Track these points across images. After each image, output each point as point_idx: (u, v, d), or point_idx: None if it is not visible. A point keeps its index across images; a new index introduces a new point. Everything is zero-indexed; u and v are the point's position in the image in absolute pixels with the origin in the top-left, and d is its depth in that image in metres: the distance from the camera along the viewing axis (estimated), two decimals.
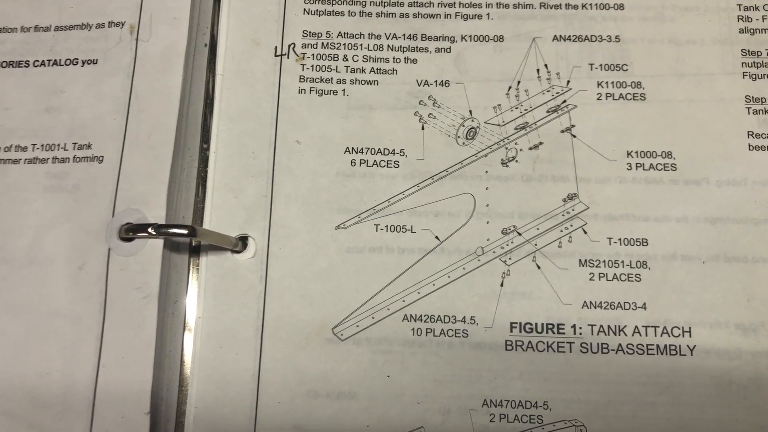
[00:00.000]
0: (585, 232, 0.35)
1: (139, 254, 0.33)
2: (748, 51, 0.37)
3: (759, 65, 0.37)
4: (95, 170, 0.35)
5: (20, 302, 0.33)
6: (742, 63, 0.37)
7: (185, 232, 0.32)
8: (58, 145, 0.35)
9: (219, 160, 0.36)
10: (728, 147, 0.36)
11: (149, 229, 0.32)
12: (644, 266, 0.35)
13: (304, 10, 0.39)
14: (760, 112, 0.36)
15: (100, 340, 0.33)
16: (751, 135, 0.36)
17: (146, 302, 0.33)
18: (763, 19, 0.38)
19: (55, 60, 0.37)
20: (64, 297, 0.33)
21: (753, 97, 0.37)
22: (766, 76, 0.37)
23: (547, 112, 0.37)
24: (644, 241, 0.35)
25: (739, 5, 0.38)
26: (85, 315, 0.33)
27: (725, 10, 0.38)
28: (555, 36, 0.38)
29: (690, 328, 0.34)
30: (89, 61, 0.36)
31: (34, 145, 0.35)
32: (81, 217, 0.34)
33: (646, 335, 0.34)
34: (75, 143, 0.35)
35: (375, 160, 0.37)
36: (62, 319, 0.33)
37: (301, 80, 0.38)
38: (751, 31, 0.38)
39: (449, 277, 0.35)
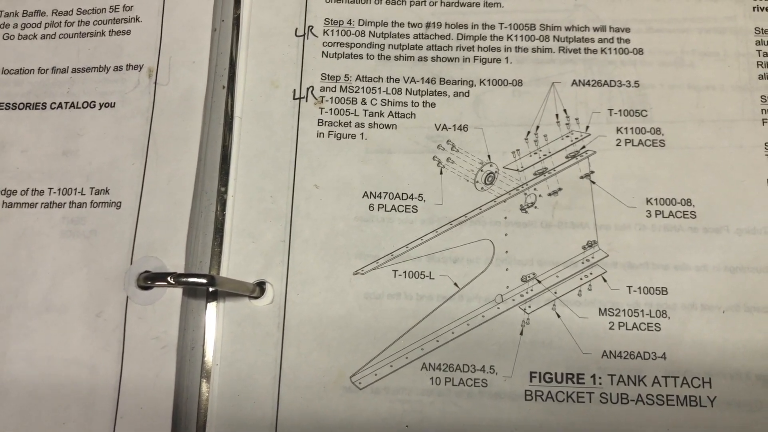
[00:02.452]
0: (605, 280, 0.35)
1: (158, 303, 0.33)
2: None
3: None
4: (113, 216, 0.34)
5: (36, 350, 0.33)
6: (762, 110, 0.37)
7: (204, 281, 0.32)
8: (76, 189, 0.35)
9: (237, 204, 0.36)
10: (748, 195, 0.36)
11: (169, 279, 0.32)
12: (664, 315, 0.35)
13: (323, 53, 0.39)
14: None
15: (118, 390, 0.32)
16: None
17: (165, 352, 0.32)
18: None
19: (73, 102, 0.36)
20: (81, 345, 0.33)
21: None
22: None
23: (567, 157, 0.37)
24: (664, 289, 0.35)
25: (759, 51, 0.38)
26: (103, 364, 0.33)
27: (745, 56, 0.38)
28: (574, 81, 0.38)
29: (710, 378, 0.34)
30: (107, 104, 0.36)
31: (50, 188, 0.35)
32: (98, 264, 0.34)
33: (666, 385, 0.34)
34: (92, 188, 0.35)
35: (393, 205, 0.36)
36: (79, 367, 0.33)
37: (320, 124, 0.37)
38: None
39: (468, 324, 0.35)
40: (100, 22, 0.38)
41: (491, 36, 0.39)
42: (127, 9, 0.38)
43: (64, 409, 0.32)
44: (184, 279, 0.32)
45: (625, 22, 0.39)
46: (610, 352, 0.34)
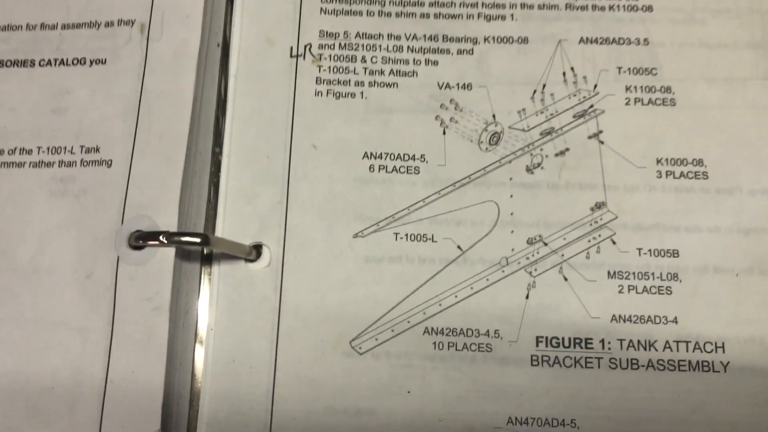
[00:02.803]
0: (614, 243, 0.34)
1: (150, 263, 0.32)
2: None
3: None
4: (103, 175, 0.33)
5: (24, 312, 0.32)
6: None
7: (198, 240, 0.31)
8: (65, 148, 0.34)
9: (232, 165, 0.35)
10: (761, 154, 0.35)
11: (161, 237, 0.31)
12: (675, 278, 0.33)
13: (321, 9, 0.37)
14: None
15: (108, 353, 0.31)
16: None
17: (157, 313, 0.31)
18: None
19: (62, 59, 0.35)
20: (70, 307, 0.32)
21: None
22: None
23: (574, 117, 0.36)
24: (675, 252, 0.34)
25: None
26: (93, 326, 0.31)
27: (758, 13, 0.37)
28: (581, 38, 0.37)
29: (723, 343, 0.33)
30: (97, 61, 0.35)
31: (39, 147, 0.34)
32: (88, 224, 0.33)
33: (678, 350, 0.33)
34: (82, 146, 0.34)
35: (394, 166, 0.35)
36: (68, 330, 0.32)
37: (318, 82, 0.36)
38: None
39: (472, 288, 0.34)
40: None
41: None
42: None
43: (51, 374, 0.31)
44: (177, 238, 0.31)
45: None
46: (620, 316, 0.33)
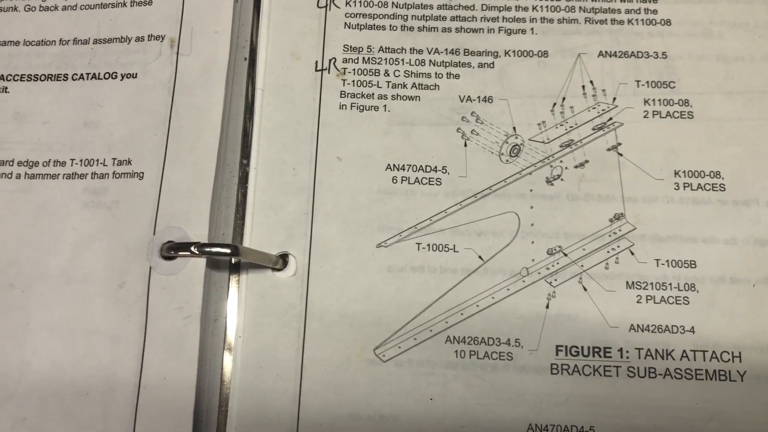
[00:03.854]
0: (632, 253, 0.35)
1: (181, 273, 0.33)
2: None
3: None
4: (135, 187, 0.34)
5: (58, 321, 0.33)
6: None
7: (228, 251, 0.32)
8: (97, 160, 0.35)
9: (259, 177, 0.36)
10: None
11: (192, 248, 0.32)
12: (692, 289, 0.34)
13: (345, 24, 0.38)
14: None
15: (141, 361, 0.32)
16: None
17: (188, 322, 0.32)
18: None
19: (94, 74, 0.36)
20: (103, 316, 0.33)
21: None
22: None
23: (593, 129, 0.36)
24: (692, 263, 0.34)
25: None
26: (125, 335, 0.32)
27: None
28: (600, 52, 0.37)
29: (740, 353, 0.33)
30: (128, 75, 0.36)
31: (72, 160, 0.35)
32: (120, 234, 0.34)
33: (695, 360, 0.33)
34: (114, 159, 0.35)
35: (416, 177, 0.36)
36: (101, 338, 0.33)
37: (342, 96, 0.37)
38: None
39: (493, 298, 0.34)
40: None
41: (516, 6, 0.38)
42: None
43: (85, 380, 0.32)
44: (208, 249, 0.32)
45: None
46: (638, 325, 0.34)
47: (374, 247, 0.35)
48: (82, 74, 0.36)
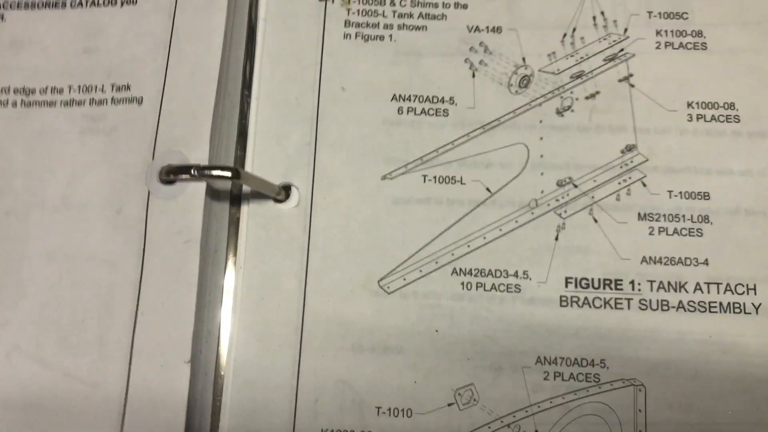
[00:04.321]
0: (644, 185, 0.34)
1: (180, 197, 0.32)
2: None
3: None
4: (134, 112, 0.33)
5: (55, 247, 0.32)
6: None
7: (229, 174, 0.31)
8: (96, 86, 0.34)
9: (261, 106, 0.35)
10: None
11: (191, 171, 0.31)
12: (706, 221, 0.33)
13: None
14: None
15: (138, 286, 0.31)
16: None
17: (187, 246, 0.31)
18: None
19: (93, 1, 0.35)
20: (100, 241, 0.32)
21: None
22: None
23: (604, 60, 0.35)
24: (706, 194, 0.33)
25: None
26: (123, 260, 0.32)
27: None
28: None
29: (755, 285, 0.32)
30: (128, 2, 0.35)
31: (70, 86, 0.34)
32: (119, 160, 0.33)
33: (709, 292, 0.32)
34: (113, 84, 0.34)
35: (423, 108, 0.35)
36: (99, 264, 0.32)
37: (347, 25, 0.36)
38: None
39: (501, 230, 0.33)
40: None
41: None
42: None
43: (83, 306, 0.31)
44: (208, 171, 0.31)
45: None
46: (650, 257, 0.33)
47: (379, 179, 0.34)
48: (81, 1, 0.35)
